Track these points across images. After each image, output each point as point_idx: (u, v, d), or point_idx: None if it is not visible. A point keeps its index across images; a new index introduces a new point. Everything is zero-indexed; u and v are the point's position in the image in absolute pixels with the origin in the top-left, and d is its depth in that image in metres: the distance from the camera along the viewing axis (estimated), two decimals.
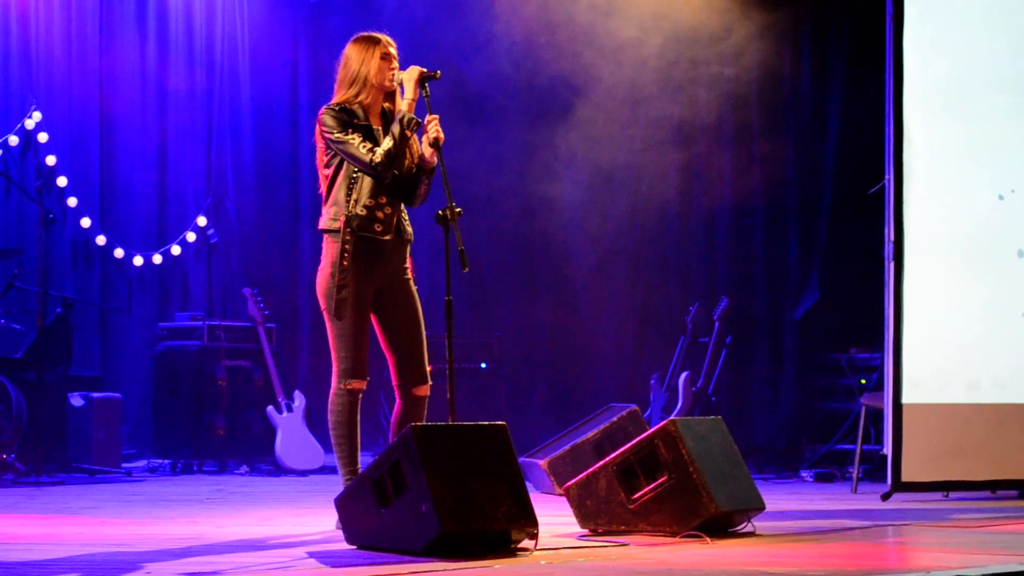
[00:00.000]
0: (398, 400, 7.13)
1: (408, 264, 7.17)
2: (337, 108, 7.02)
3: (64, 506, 8.60)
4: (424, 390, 7.13)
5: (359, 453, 7.06)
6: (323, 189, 7.10)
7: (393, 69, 7.07)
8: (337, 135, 6.94)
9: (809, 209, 12.64)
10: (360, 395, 7.03)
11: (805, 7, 12.75)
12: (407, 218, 7.16)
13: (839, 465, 11.25)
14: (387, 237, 7.01)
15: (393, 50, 7.11)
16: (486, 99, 12.67)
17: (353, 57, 7.08)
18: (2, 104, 11.97)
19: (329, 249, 6.99)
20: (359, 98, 7.05)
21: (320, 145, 7.06)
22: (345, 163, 6.97)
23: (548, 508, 7.53)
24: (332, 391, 7.02)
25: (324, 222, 7.02)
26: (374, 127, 7.05)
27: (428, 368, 7.18)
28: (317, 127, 7.04)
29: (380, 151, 6.90)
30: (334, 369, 7.02)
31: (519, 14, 12.20)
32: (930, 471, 8.89)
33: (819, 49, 12.70)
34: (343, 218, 6.94)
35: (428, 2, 12.65)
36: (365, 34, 7.14)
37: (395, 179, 7.03)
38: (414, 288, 7.16)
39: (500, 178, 12.74)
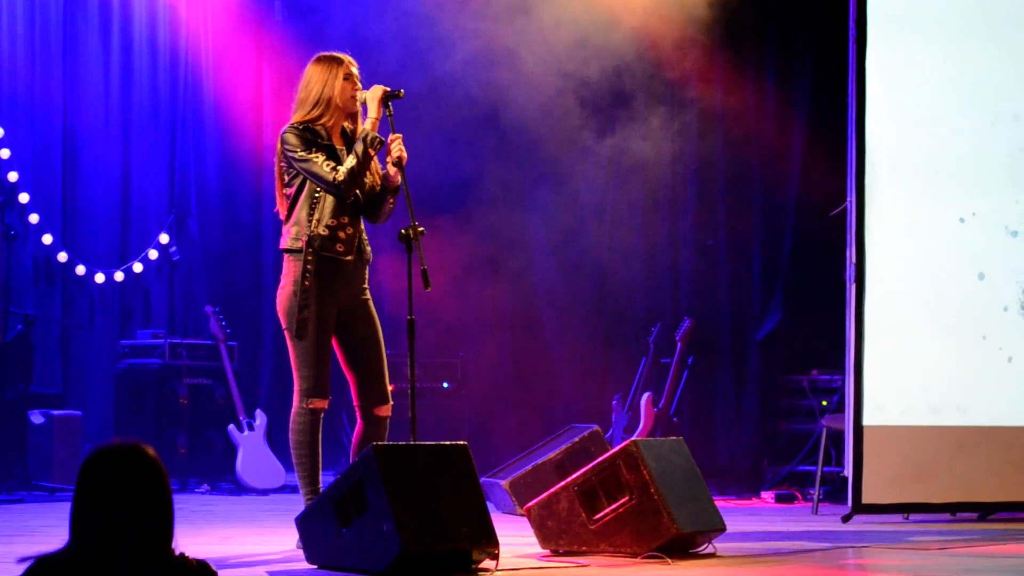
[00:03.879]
0: (359, 420, 7.12)
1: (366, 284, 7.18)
2: (301, 127, 7.01)
3: (23, 524, 8.56)
4: (385, 410, 7.12)
5: (320, 472, 7.05)
6: (281, 208, 7.09)
7: (356, 89, 7.06)
8: (301, 153, 6.93)
9: (772, 230, 12.67)
10: (322, 414, 7.02)
11: (771, 31, 12.80)
12: (367, 239, 7.16)
13: (800, 486, 11.27)
14: (349, 257, 7.00)
15: (355, 70, 7.11)
16: (446, 116, 12.63)
17: (315, 78, 7.07)
18: None
19: (290, 268, 6.98)
20: (322, 120, 7.04)
21: (281, 164, 7.05)
22: (307, 182, 6.96)
23: (509, 528, 7.52)
24: (293, 410, 7.01)
25: (286, 241, 7.01)
26: (337, 147, 7.05)
27: (390, 388, 7.18)
28: (279, 146, 7.02)
29: (343, 170, 6.89)
30: (296, 388, 7.01)
31: (492, 32, 12.20)
32: (890, 493, 8.91)
33: (784, 72, 12.75)
34: (305, 238, 6.93)
35: (381, 19, 12.61)
36: (327, 54, 7.13)
37: (357, 199, 7.03)
38: (373, 308, 7.16)
39: (462, 197, 12.74)
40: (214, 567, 3.27)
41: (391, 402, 7.15)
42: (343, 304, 7.03)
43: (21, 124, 12.17)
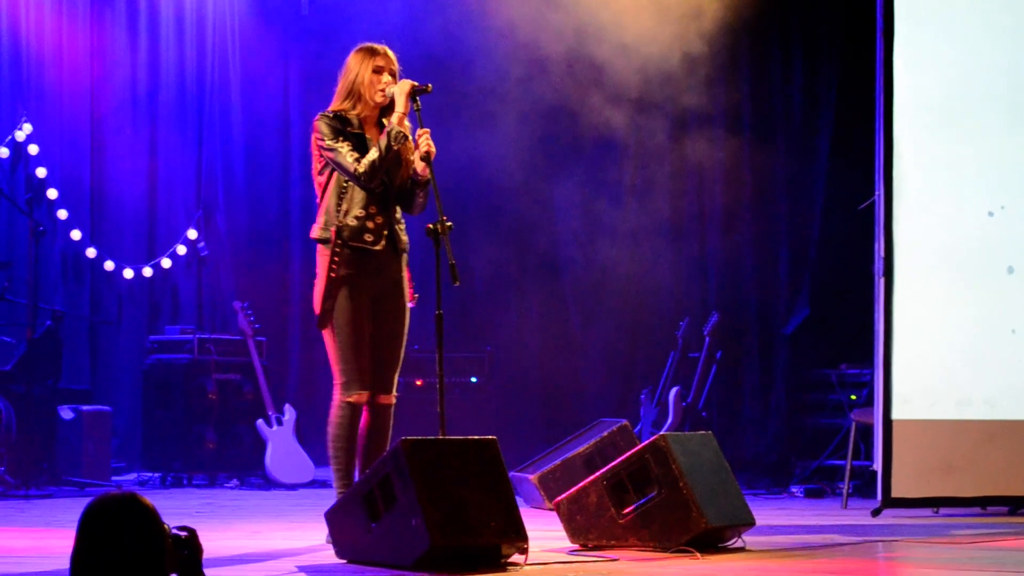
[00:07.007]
0: (365, 410, 7.05)
1: (406, 274, 7.13)
2: (332, 115, 7.00)
3: (53, 519, 8.58)
4: (388, 399, 7.04)
5: (355, 467, 7.00)
6: (319, 197, 7.08)
7: (386, 82, 7.03)
8: (328, 142, 6.92)
9: (800, 225, 12.65)
10: (361, 408, 6.96)
11: (796, 24, 12.77)
12: (403, 228, 7.12)
13: (829, 481, 11.25)
14: (378, 247, 6.97)
15: (391, 64, 7.06)
16: (479, 110, 12.62)
17: (350, 68, 7.07)
18: None
19: (322, 260, 6.95)
20: (355, 110, 7.03)
21: (314, 152, 7.04)
22: (336, 171, 6.96)
23: (538, 522, 7.52)
24: (334, 404, 6.96)
25: (315, 231, 6.99)
26: (367, 137, 7.02)
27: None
28: (312, 134, 7.02)
29: (365, 161, 6.87)
30: (335, 382, 6.96)
31: (518, 27, 12.19)
32: (920, 487, 8.89)
33: (810, 65, 12.72)
34: (334, 228, 6.91)
35: (409, 12, 12.60)
36: (365, 45, 7.11)
37: (388, 190, 7.01)
38: (406, 304, 7.10)
39: (491, 191, 12.75)
40: None
41: (395, 393, 7.10)
42: (376, 294, 6.99)
43: (49, 120, 12.22)
